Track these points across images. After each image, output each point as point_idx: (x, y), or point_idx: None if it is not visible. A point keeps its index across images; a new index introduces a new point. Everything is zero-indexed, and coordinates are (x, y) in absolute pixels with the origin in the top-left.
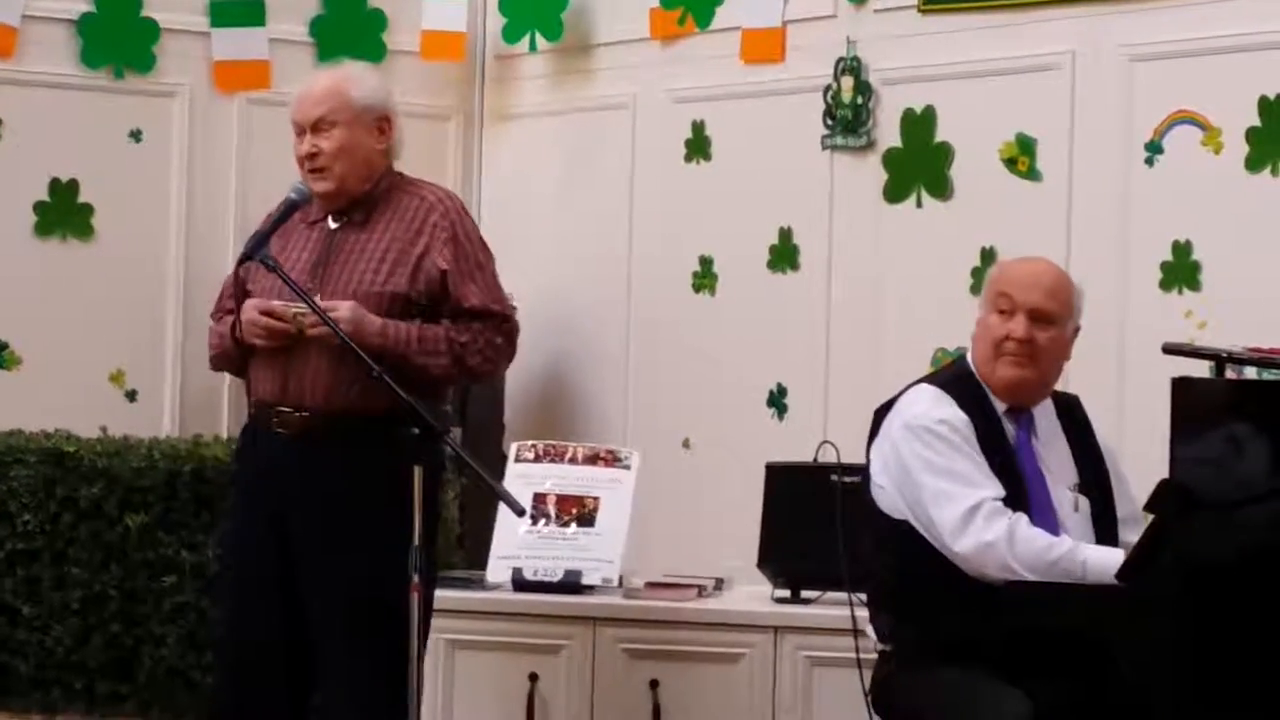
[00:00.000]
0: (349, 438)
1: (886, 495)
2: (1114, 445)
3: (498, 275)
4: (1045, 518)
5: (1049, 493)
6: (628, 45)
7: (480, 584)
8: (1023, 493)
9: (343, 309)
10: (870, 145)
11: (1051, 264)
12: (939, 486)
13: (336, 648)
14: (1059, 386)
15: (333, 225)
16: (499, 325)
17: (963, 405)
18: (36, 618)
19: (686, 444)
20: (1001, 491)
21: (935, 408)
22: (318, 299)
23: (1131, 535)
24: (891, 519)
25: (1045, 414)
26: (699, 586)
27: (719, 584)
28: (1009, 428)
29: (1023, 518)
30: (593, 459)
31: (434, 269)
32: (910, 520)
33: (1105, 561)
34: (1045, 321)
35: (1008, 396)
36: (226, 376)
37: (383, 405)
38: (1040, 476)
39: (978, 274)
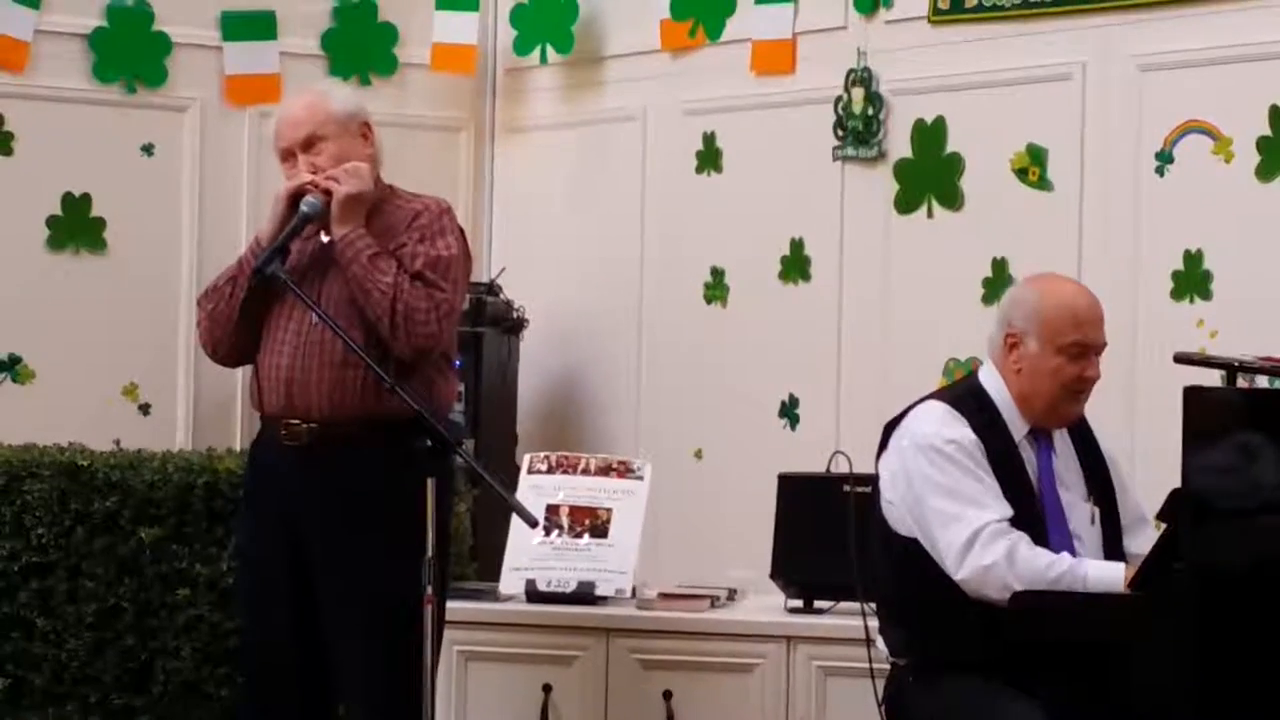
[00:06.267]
0: (359, 446)
1: (895, 510)
2: (1118, 451)
3: (460, 277)
4: (1062, 538)
5: (1066, 512)
6: (638, 57)
7: (493, 596)
8: (1041, 514)
9: (341, 189)
10: (881, 156)
11: (1085, 288)
12: (944, 508)
13: (353, 658)
14: None
15: (325, 239)
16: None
17: (974, 425)
18: (51, 631)
19: (699, 455)
20: (1008, 512)
21: (945, 427)
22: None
23: (1134, 542)
24: (900, 534)
25: (1059, 429)
26: (712, 597)
27: (732, 594)
28: (1029, 451)
29: (1024, 537)
30: (605, 470)
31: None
32: (918, 537)
33: (1108, 577)
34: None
35: (1055, 425)
36: (239, 390)
37: (392, 411)
38: (1059, 496)
39: (989, 284)
